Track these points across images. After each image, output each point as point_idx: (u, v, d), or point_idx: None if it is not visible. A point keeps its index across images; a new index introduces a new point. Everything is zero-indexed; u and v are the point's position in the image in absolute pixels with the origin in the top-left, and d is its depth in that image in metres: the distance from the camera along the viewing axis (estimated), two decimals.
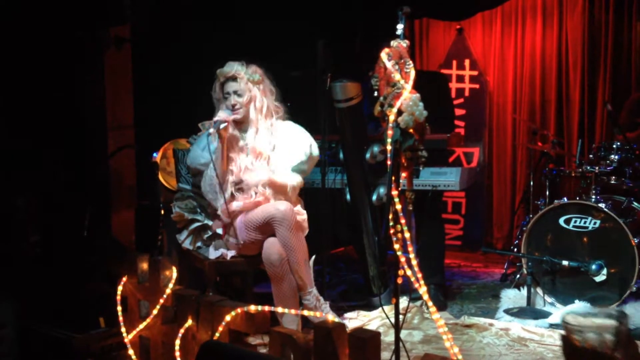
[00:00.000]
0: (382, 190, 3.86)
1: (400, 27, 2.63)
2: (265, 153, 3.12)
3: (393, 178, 2.47)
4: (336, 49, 3.90)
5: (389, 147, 2.47)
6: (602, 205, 3.72)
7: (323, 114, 3.66)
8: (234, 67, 3.12)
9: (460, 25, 5.67)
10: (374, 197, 3.88)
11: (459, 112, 5.60)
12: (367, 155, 3.69)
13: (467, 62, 5.67)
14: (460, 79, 5.69)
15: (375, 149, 3.68)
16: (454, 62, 5.69)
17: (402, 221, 2.48)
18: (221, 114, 3.04)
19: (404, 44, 2.60)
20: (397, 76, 2.54)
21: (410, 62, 2.58)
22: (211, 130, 2.98)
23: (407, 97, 2.48)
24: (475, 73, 5.66)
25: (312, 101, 3.65)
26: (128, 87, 3.84)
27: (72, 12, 3.52)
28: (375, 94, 2.67)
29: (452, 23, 5.72)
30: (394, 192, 2.48)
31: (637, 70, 4.96)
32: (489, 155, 5.67)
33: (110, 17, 3.64)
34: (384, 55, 2.56)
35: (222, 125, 3.00)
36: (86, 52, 3.67)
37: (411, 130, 2.52)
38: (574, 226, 3.77)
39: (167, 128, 3.66)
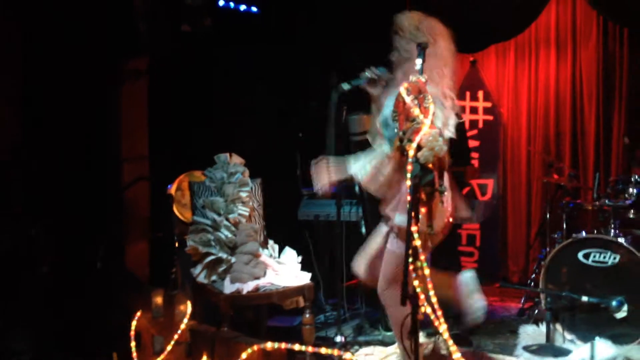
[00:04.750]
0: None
1: (419, 62, 2.63)
2: None
3: (412, 214, 2.44)
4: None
5: (408, 183, 2.44)
6: (621, 239, 3.66)
7: (338, 146, 3.66)
8: (397, 21, 2.84)
9: (473, 57, 5.68)
10: None
11: (472, 143, 5.57)
12: None
13: (480, 94, 5.67)
14: (473, 110, 5.68)
15: None
16: (468, 94, 5.69)
17: (422, 257, 2.45)
18: (370, 70, 2.82)
19: (423, 78, 2.59)
20: (416, 111, 2.52)
21: (430, 96, 2.57)
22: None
23: (427, 132, 2.47)
24: (489, 105, 5.65)
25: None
26: (144, 119, 3.85)
27: (90, 44, 3.55)
28: (396, 130, 2.66)
29: (466, 54, 5.73)
30: (414, 228, 2.44)
31: None
32: (503, 188, 5.62)
33: (128, 49, 3.67)
34: (402, 90, 2.55)
35: (361, 83, 2.78)
36: (103, 84, 3.69)
37: (430, 166, 2.50)
38: (593, 261, 3.71)
39: (183, 160, 3.66)
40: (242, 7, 4.51)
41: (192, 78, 4.12)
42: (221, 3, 4.43)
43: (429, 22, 2.76)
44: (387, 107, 2.79)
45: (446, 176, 2.79)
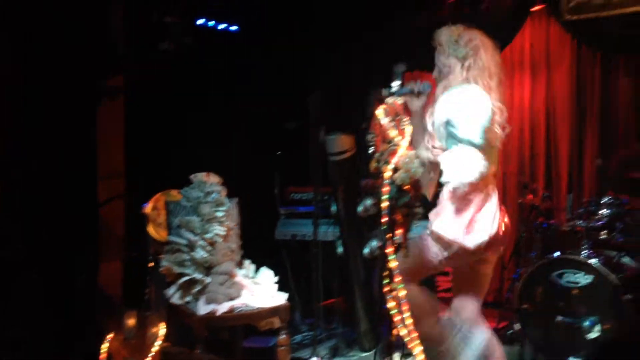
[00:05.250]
0: (374, 243, 3.83)
1: (396, 84, 2.66)
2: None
3: (388, 236, 2.45)
4: (330, 101, 3.94)
5: (384, 204, 2.45)
6: (593, 260, 3.71)
7: (316, 166, 3.67)
8: (436, 37, 2.71)
9: None
10: (366, 250, 3.85)
11: None
12: (360, 209, 3.70)
13: None
14: None
15: (368, 202, 3.69)
16: None
17: (398, 279, 2.45)
18: (413, 83, 2.67)
19: (400, 101, 2.62)
20: (393, 133, 2.54)
21: (407, 118, 2.60)
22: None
23: (404, 153, 2.49)
24: None
25: (307, 153, 3.65)
26: (120, 136, 3.82)
27: (67, 60, 3.52)
28: (371, 150, 2.67)
29: None
30: (389, 250, 2.45)
31: (624, 125, 5.04)
32: None
33: (106, 67, 3.65)
34: (380, 112, 2.57)
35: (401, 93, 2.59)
36: (79, 100, 3.66)
37: (407, 187, 2.52)
38: (566, 281, 3.75)
39: (159, 178, 3.63)
40: (221, 26, 4.52)
41: (171, 95, 4.11)
42: (200, 22, 4.43)
43: (469, 35, 2.67)
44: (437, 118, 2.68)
45: (495, 191, 2.67)
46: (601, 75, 5.15)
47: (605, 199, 4.05)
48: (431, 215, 2.67)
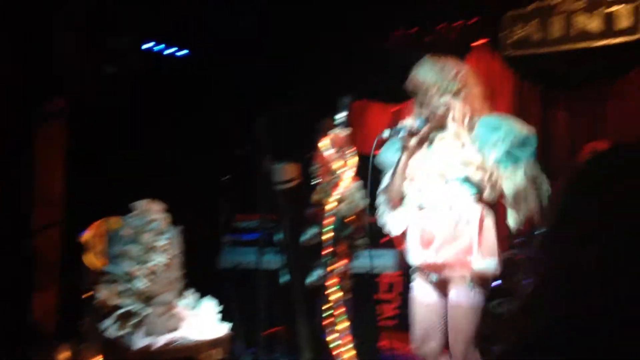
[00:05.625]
0: (317, 272, 3.82)
1: (341, 116, 2.69)
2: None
3: (330, 267, 2.45)
4: (277, 129, 3.94)
5: (327, 235, 2.46)
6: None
7: (262, 194, 3.65)
8: (421, 79, 2.46)
9: (398, 106, 5.84)
10: (310, 280, 3.84)
11: None
12: (304, 238, 3.70)
13: None
14: None
15: (313, 231, 3.69)
16: None
17: (340, 311, 2.45)
18: (410, 120, 2.49)
19: (345, 132, 2.65)
20: (337, 164, 2.57)
21: (352, 149, 2.63)
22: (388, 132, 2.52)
23: (347, 185, 2.51)
24: None
25: (254, 180, 3.63)
26: (59, 161, 3.70)
27: (7, 83, 3.41)
28: (315, 181, 2.68)
29: (388, 105, 5.89)
30: (332, 282, 2.45)
31: (562, 159, 5.22)
32: None
33: (46, 90, 3.55)
34: (324, 143, 2.59)
35: (401, 133, 2.46)
36: (16, 124, 3.53)
37: (350, 219, 2.54)
38: (505, 310, 3.82)
39: (100, 205, 3.53)
40: (168, 51, 4.48)
41: (114, 120, 4.02)
42: (147, 45, 4.38)
43: (455, 67, 2.49)
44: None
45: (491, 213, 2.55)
46: (541, 110, 5.34)
47: (542, 229, 4.17)
48: (459, 256, 2.46)
